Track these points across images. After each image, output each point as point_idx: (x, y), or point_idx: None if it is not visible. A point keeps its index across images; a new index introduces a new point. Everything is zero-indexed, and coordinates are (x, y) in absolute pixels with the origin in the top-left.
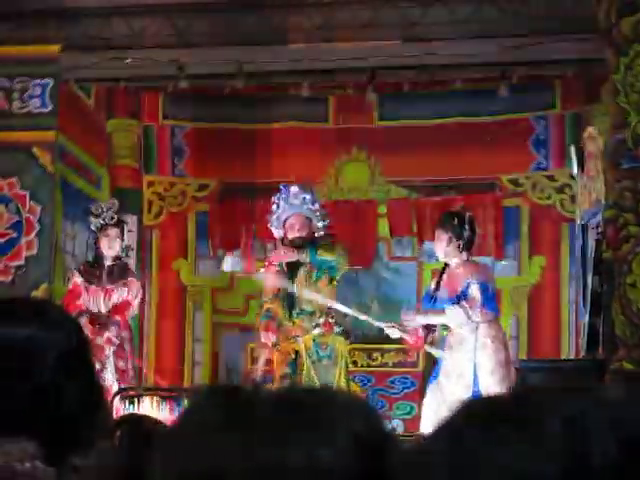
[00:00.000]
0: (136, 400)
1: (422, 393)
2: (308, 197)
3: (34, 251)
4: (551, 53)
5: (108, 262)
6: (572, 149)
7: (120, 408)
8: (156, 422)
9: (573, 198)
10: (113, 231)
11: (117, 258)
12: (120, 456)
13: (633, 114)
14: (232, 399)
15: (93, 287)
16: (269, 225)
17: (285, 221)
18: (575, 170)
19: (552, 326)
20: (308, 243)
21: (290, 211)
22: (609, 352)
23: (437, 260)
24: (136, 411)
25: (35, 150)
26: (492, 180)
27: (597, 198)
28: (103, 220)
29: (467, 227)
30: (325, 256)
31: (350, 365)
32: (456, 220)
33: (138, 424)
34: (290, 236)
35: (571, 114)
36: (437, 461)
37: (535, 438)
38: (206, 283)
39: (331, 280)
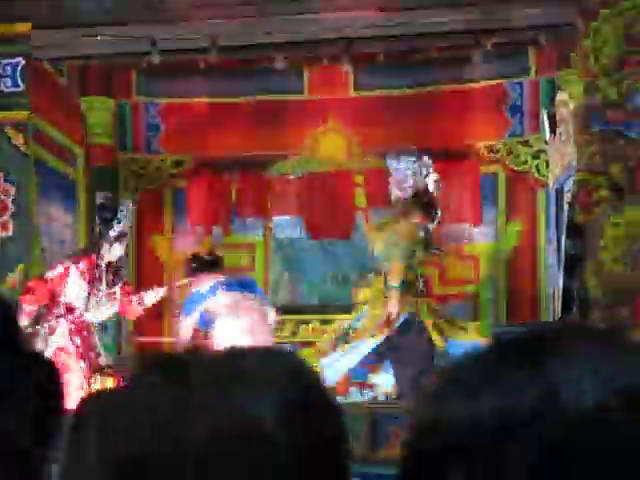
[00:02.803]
0: (110, 378)
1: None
2: None
3: (9, 232)
4: (525, 19)
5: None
6: (544, 114)
7: (96, 386)
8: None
9: (548, 163)
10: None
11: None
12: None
13: (603, 78)
14: (167, 368)
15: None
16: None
17: None
18: (547, 135)
19: (531, 291)
20: None
21: None
22: (583, 314)
23: None
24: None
25: (8, 130)
26: (468, 147)
27: (569, 162)
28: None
29: None
30: None
31: None
32: None
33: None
34: None
35: (546, 80)
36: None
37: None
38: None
39: None
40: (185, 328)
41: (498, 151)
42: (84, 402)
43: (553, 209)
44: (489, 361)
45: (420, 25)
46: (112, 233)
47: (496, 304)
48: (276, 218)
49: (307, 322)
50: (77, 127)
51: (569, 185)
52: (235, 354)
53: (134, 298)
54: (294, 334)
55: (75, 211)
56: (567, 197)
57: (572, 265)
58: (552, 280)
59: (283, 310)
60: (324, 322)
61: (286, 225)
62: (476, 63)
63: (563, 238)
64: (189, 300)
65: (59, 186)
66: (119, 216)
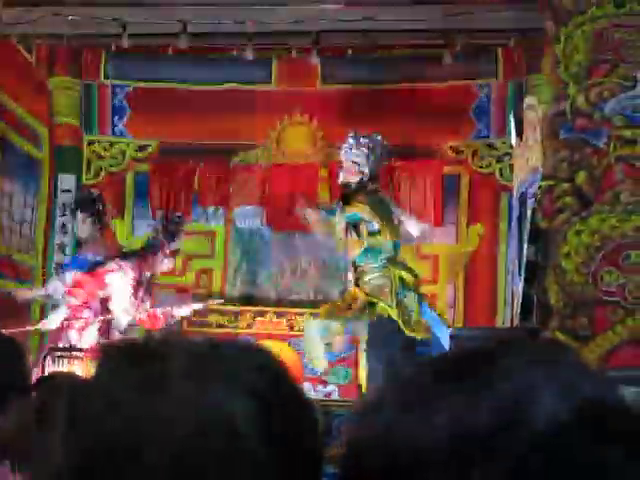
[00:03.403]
0: (65, 360)
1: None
2: None
3: None
4: (494, 22)
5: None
6: (511, 118)
7: (50, 368)
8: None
9: (512, 167)
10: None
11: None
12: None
13: (572, 85)
14: (139, 358)
15: None
16: None
17: None
18: (513, 139)
19: (489, 295)
20: None
21: None
22: (542, 321)
23: None
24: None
25: None
26: (433, 147)
27: (534, 167)
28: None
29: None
30: None
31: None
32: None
33: (56, 382)
34: None
35: (513, 83)
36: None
37: (474, 390)
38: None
39: None
40: None
41: (462, 152)
42: (48, 391)
43: (515, 213)
44: (440, 377)
45: (390, 22)
46: (172, 246)
47: (454, 306)
48: (237, 208)
49: (263, 314)
50: (43, 106)
51: (533, 190)
52: (207, 345)
53: (159, 310)
54: (250, 326)
55: (37, 191)
56: (531, 202)
57: (533, 271)
58: (511, 285)
59: (240, 301)
60: (280, 315)
61: (247, 215)
62: (444, 63)
63: (525, 243)
64: None
65: (22, 165)
66: (180, 230)
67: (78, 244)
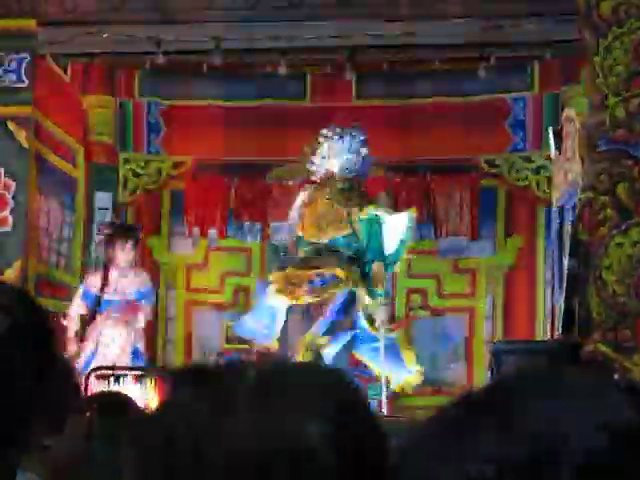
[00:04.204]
0: (109, 379)
1: None
2: None
3: (8, 227)
4: (529, 34)
5: None
6: (550, 130)
7: (94, 387)
8: (129, 400)
9: (549, 180)
10: None
11: None
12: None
13: (611, 97)
14: (214, 385)
15: None
16: None
17: None
18: (553, 152)
19: (527, 307)
20: None
21: None
22: (584, 334)
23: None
24: (108, 389)
25: (10, 125)
26: (469, 161)
27: (574, 180)
28: None
29: None
30: None
31: None
32: None
33: (111, 402)
34: None
35: (549, 95)
36: (415, 446)
37: (505, 425)
38: (180, 261)
39: None
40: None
41: (498, 166)
42: (106, 411)
43: (554, 226)
44: (472, 410)
45: (425, 37)
46: None
47: (492, 319)
48: (273, 223)
49: None
50: (78, 125)
51: (572, 202)
52: (273, 367)
53: None
54: None
55: (73, 209)
56: (570, 215)
57: (574, 284)
58: (549, 297)
59: None
60: None
61: (284, 231)
62: (479, 76)
63: (565, 256)
64: None
65: (58, 183)
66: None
67: (105, 267)
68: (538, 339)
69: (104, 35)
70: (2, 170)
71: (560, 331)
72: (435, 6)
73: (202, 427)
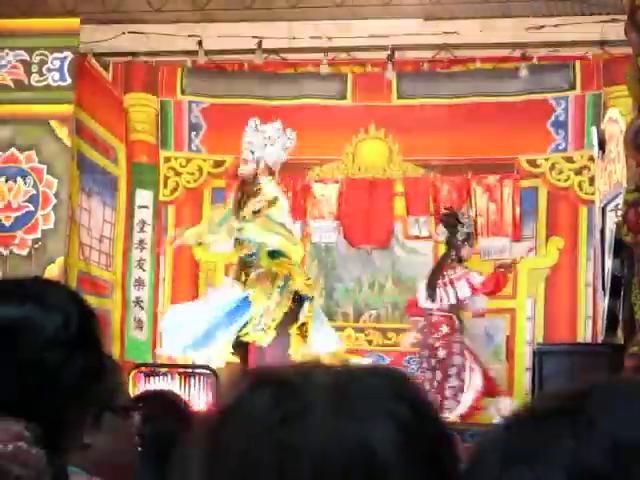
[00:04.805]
0: (151, 376)
1: None
2: None
3: (50, 225)
4: (572, 34)
5: None
6: (593, 131)
7: (136, 384)
8: (178, 399)
9: (591, 180)
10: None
11: None
12: (144, 431)
13: None
14: (282, 390)
15: None
16: None
17: None
18: (596, 152)
19: (568, 308)
20: None
21: None
22: (627, 336)
23: None
24: (152, 387)
25: (53, 123)
26: (510, 161)
27: (618, 181)
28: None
29: None
30: None
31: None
32: None
33: (162, 400)
34: None
35: (591, 95)
36: (489, 450)
37: (588, 432)
38: (220, 259)
39: None
40: None
41: (540, 166)
42: (158, 410)
43: (597, 227)
44: (543, 421)
45: (467, 36)
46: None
47: (533, 321)
48: (314, 222)
49: (341, 329)
50: (120, 123)
51: (616, 203)
52: (345, 372)
53: None
54: None
55: (115, 207)
56: (612, 215)
57: (617, 286)
58: (590, 299)
59: None
60: (358, 330)
61: (324, 230)
62: (521, 76)
63: (608, 258)
64: None
65: (100, 181)
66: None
67: None
68: (581, 341)
69: (146, 34)
70: (45, 168)
71: (603, 333)
72: (477, 6)
73: (277, 434)
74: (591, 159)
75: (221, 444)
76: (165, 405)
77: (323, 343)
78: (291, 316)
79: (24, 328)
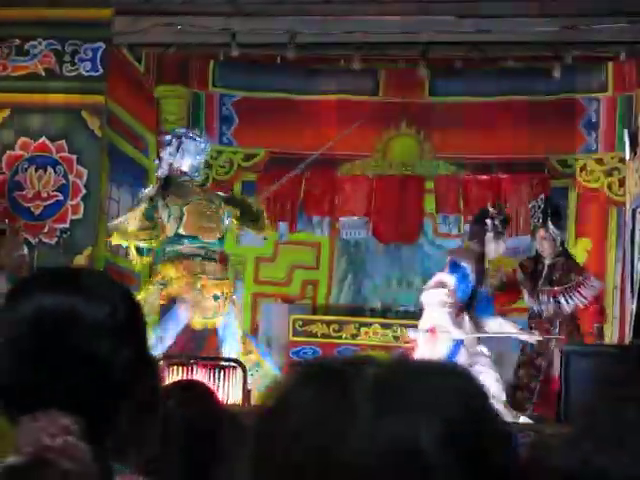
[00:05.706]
0: (179, 368)
1: None
2: None
3: (79, 215)
4: (605, 34)
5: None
6: (625, 132)
7: (166, 375)
8: (209, 391)
9: (622, 182)
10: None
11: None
12: (177, 421)
13: None
14: (332, 383)
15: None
16: None
17: None
18: (627, 154)
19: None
20: None
21: None
22: None
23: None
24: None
25: (84, 114)
26: (541, 160)
27: None
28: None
29: None
30: None
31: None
32: None
33: (193, 391)
34: None
35: (623, 97)
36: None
37: None
38: (248, 253)
39: None
40: None
41: (570, 166)
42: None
43: (627, 229)
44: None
45: (500, 34)
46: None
47: None
48: (343, 218)
49: (368, 325)
50: (151, 115)
51: None
52: (394, 365)
53: None
54: (354, 336)
55: None
56: None
57: None
58: (618, 301)
59: (345, 312)
60: (385, 326)
61: (353, 226)
62: (554, 76)
63: (638, 260)
64: None
65: (130, 172)
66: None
67: None
68: (609, 343)
69: (178, 26)
70: (75, 158)
71: (632, 335)
72: (511, 4)
73: (328, 428)
74: (622, 161)
75: (266, 441)
76: (196, 396)
77: None
78: None
79: (72, 318)
